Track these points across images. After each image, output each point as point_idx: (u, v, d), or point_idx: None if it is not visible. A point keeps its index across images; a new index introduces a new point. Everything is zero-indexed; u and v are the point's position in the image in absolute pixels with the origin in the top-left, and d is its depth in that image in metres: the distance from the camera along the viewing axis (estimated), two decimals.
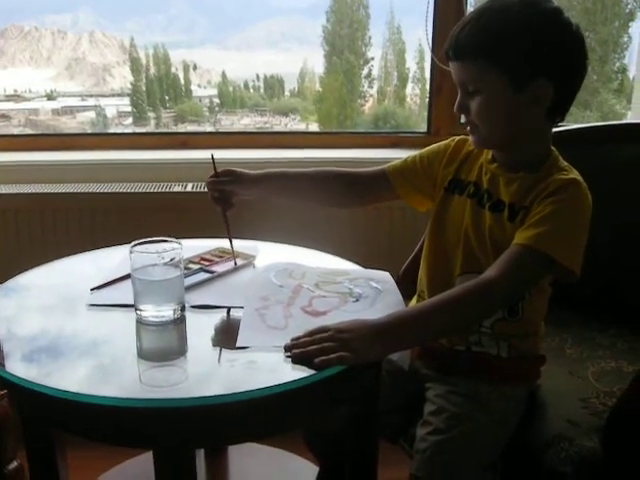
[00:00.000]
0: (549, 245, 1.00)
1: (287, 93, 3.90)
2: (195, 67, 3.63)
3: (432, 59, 2.31)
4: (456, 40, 1.06)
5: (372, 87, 3.81)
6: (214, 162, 1.30)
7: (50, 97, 4.31)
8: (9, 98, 4.94)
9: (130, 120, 4.04)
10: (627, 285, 1.55)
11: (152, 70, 4.03)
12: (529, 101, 1.04)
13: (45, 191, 2.00)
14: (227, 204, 1.31)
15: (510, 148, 1.11)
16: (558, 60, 1.03)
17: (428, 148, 1.26)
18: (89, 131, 3.82)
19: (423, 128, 2.54)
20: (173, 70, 3.62)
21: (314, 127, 3.32)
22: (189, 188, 2.00)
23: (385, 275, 1.24)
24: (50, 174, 2.11)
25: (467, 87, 1.07)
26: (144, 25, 4.33)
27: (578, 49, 1.05)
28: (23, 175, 2.12)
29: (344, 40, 4.11)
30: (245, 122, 3.43)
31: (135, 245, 1.06)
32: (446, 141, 1.24)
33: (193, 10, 4.34)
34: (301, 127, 3.50)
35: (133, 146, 2.35)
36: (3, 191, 2.01)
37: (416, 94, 3.92)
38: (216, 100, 3.58)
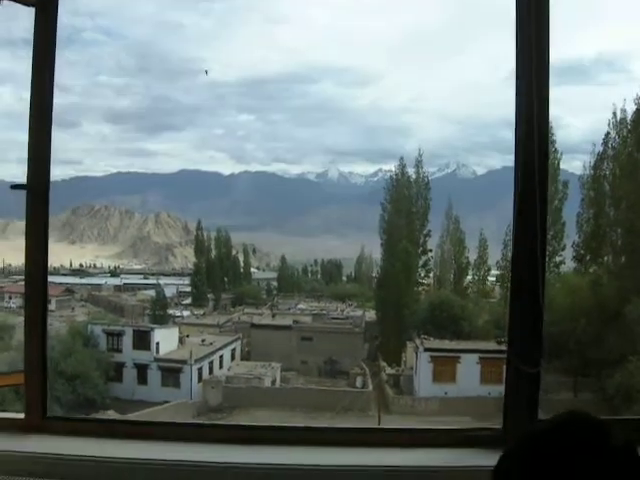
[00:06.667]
0: None
1: (344, 278, 3.96)
2: (254, 251, 3.74)
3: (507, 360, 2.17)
4: None
5: (429, 276, 3.83)
6: None
7: (113, 274, 4.49)
8: (74, 272, 5.13)
9: (189, 300, 4.11)
10: None
11: (213, 252, 4.13)
12: None
13: None
14: None
15: None
16: None
17: None
18: (148, 310, 3.93)
19: (481, 318, 2.44)
20: (234, 253, 3.74)
21: (371, 314, 3.32)
22: None
23: None
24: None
25: None
26: (208, 208, 4.57)
27: None
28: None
29: (402, 230, 4.18)
30: (302, 307, 3.45)
31: None
32: None
33: (255, 195, 4.56)
34: (358, 314, 3.53)
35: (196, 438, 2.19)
36: None
37: (474, 282, 3.88)
38: (274, 283, 3.65)
